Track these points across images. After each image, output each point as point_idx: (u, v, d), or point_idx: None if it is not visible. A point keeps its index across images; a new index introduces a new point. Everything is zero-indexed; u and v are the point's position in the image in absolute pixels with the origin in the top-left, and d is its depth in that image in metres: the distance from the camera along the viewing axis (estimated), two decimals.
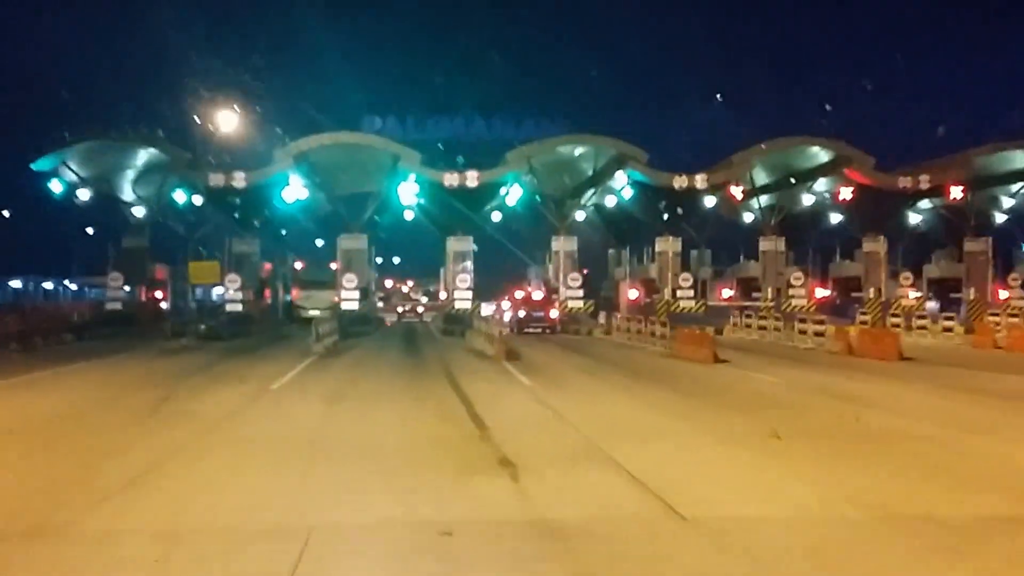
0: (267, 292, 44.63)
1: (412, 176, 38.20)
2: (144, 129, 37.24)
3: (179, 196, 38.54)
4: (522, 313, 37.66)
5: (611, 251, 53.28)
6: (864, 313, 38.65)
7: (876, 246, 43.67)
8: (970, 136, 44.36)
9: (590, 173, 42.47)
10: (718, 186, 40.77)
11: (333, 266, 42.24)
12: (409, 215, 43.55)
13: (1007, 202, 44.96)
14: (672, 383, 16.76)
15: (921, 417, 12.30)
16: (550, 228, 42.84)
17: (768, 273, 43.33)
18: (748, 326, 33.72)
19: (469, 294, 38.83)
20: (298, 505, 7.16)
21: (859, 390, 15.55)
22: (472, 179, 37.96)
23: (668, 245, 41.98)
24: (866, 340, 23.73)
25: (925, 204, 45.44)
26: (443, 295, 48.50)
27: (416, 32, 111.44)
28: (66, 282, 56.36)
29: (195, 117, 35.34)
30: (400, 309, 59.92)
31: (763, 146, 40.49)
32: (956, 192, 40.62)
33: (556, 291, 40.60)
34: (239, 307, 36.72)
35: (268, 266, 45.55)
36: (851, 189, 40.79)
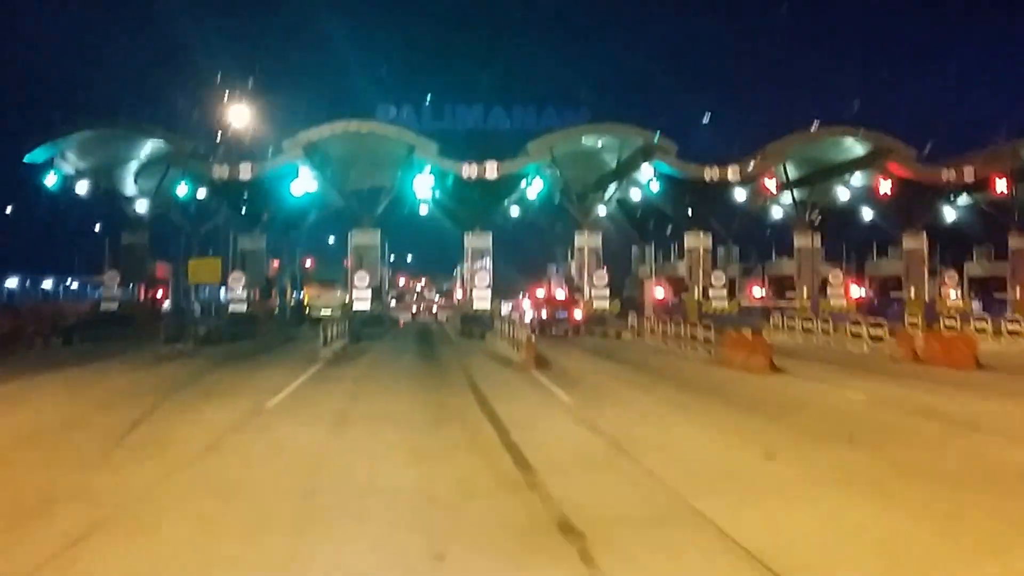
0: (274, 291, 42.37)
1: (428, 167, 35.87)
2: (145, 117, 35.14)
3: (182, 189, 36.18)
4: (544, 313, 35.33)
5: (634, 247, 50.65)
6: (913, 315, 36.01)
7: (918, 243, 41.17)
8: (1015, 126, 41.42)
9: (614, 165, 40.16)
10: (750, 179, 38.33)
11: (345, 263, 39.99)
12: (424, 210, 41.22)
13: None
14: (735, 400, 14.33)
15: None
16: (571, 223, 40.51)
17: (803, 271, 40.89)
18: (791, 328, 31.24)
19: (488, 293, 36.62)
20: None
21: (954, 408, 13.14)
22: (492, 170, 35.65)
23: (699, 241, 39.54)
24: (934, 346, 21.25)
25: (963, 199, 42.71)
26: (459, 294, 46.31)
27: (433, 15, 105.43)
28: (69, 281, 54.31)
29: (199, 104, 33.25)
30: (414, 309, 57.77)
31: (798, 136, 37.99)
32: (1001, 185, 37.89)
33: (579, 290, 38.30)
34: (243, 307, 34.54)
35: (276, 263, 43.33)
36: (890, 182, 38.25)
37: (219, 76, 32.69)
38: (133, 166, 37.71)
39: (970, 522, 6.79)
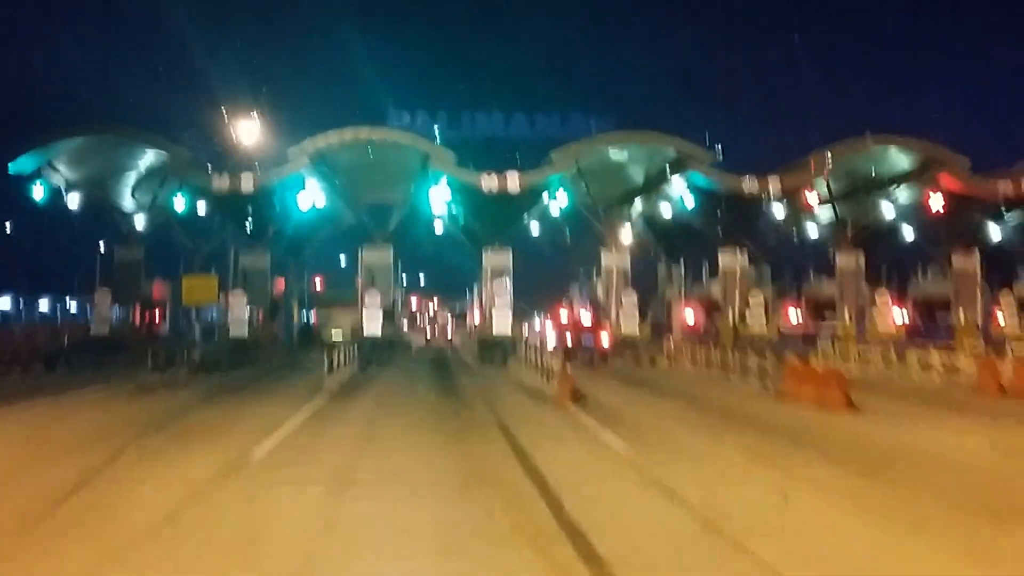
0: (280, 313, 39.65)
1: (444, 179, 33.20)
2: (140, 124, 32.74)
3: (179, 201, 33.59)
4: (569, 339, 32.56)
5: (660, 266, 47.61)
6: (966, 342, 32.95)
7: (969, 262, 38.23)
8: None
9: (642, 177, 37.47)
10: (790, 191, 35.54)
11: (357, 283, 37.24)
12: (439, 225, 38.55)
13: None
14: (830, 450, 11.48)
15: None
16: (596, 239, 37.75)
17: (846, 293, 38.01)
18: (843, 356, 28.42)
19: (508, 315, 33.90)
20: None
21: None
22: (514, 181, 33.01)
23: (735, 260, 36.71)
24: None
25: (1012, 214, 39.72)
26: (475, 317, 43.63)
27: (450, 18, 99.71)
28: (67, 301, 51.73)
29: (198, 111, 30.80)
30: (428, 335, 55.13)
31: (846, 145, 35.15)
32: None
33: (605, 312, 35.52)
34: (244, 330, 31.92)
35: (281, 282, 40.63)
36: (941, 196, 35.38)
37: (221, 81, 30.23)
38: (127, 177, 35.21)
39: None
